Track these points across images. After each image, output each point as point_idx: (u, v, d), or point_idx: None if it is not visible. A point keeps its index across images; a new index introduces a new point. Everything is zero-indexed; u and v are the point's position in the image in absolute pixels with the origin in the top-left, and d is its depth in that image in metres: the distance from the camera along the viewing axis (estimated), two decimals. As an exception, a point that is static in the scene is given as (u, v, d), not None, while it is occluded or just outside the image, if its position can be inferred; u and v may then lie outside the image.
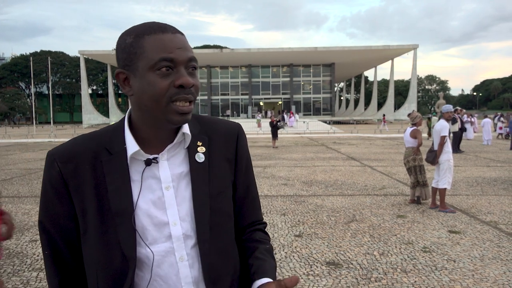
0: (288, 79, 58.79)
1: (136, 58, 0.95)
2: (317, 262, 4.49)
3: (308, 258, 4.61)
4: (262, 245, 1.12)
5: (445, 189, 6.68)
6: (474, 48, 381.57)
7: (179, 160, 1.03)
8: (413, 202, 7.21)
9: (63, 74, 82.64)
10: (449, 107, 7.01)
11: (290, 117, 41.56)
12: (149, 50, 0.93)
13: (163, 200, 0.99)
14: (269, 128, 20.16)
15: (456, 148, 15.07)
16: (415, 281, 3.95)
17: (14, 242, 5.32)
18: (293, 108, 55.19)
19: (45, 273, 4.47)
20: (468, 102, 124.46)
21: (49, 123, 55.83)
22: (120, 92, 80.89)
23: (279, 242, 5.18)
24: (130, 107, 1.05)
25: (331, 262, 4.48)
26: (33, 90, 63.22)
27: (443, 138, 6.68)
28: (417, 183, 7.07)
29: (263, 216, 1.50)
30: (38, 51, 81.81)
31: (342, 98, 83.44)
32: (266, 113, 54.47)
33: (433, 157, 6.81)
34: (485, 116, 26.47)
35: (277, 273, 1.76)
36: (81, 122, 57.42)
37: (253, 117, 52.33)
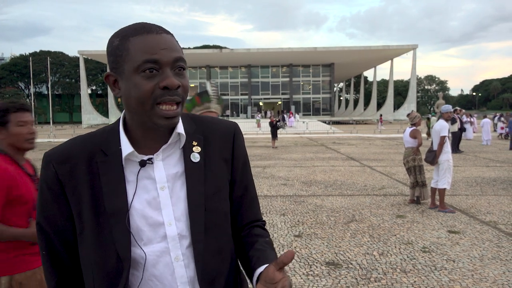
0: (287, 79, 58.79)
1: (122, 60, 0.95)
2: (316, 262, 4.49)
3: (308, 258, 4.61)
4: (261, 238, 1.11)
5: (444, 189, 6.69)
6: (474, 48, 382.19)
7: (175, 160, 1.03)
8: (412, 202, 7.21)
9: (62, 74, 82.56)
10: (449, 107, 7.01)
11: (289, 117, 41.59)
12: (133, 52, 0.93)
13: (158, 200, 1.00)
14: (269, 128, 20.17)
15: (455, 148, 15.08)
16: (415, 281, 3.95)
17: (13, 242, 5.31)
18: (293, 108, 55.21)
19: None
20: (467, 102, 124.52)
21: (49, 123, 55.78)
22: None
23: (279, 242, 5.19)
24: None
25: (330, 262, 4.48)
26: (32, 90, 63.20)
27: (442, 138, 6.68)
28: (416, 183, 7.08)
29: (263, 216, 1.49)
30: (38, 51, 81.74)
31: (341, 98, 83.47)
32: (265, 113, 54.47)
33: (433, 157, 6.82)
34: (485, 116, 26.48)
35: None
36: (80, 122, 57.36)
37: (252, 117, 52.31)
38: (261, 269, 0.98)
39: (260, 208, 1.19)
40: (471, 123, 23.13)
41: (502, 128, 23.94)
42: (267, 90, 59.54)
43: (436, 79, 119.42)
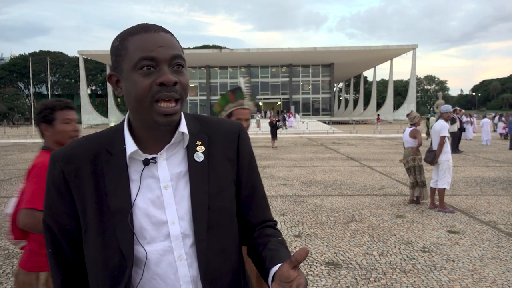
0: (287, 79, 58.78)
1: (121, 59, 0.97)
2: (316, 262, 4.49)
3: (308, 258, 4.60)
4: (273, 238, 1.10)
5: (444, 189, 6.69)
6: (474, 48, 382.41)
7: (178, 160, 1.04)
8: (412, 202, 7.21)
9: (62, 74, 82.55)
10: (448, 107, 7.01)
11: (289, 117, 41.59)
12: (131, 51, 0.95)
13: (162, 199, 1.00)
14: (269, 128, 20.17)
15: (455, 148, 15.08)
16: (414, 281, 3.95)
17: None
18: (292, 108, 55.20)
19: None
20: (467, 102, 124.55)
21: (48, 123, 55.65)
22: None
23: (279, 242, 5.18)
24: None
25: (330, 262, 4.48)
26: (32, 90, 63.13)
27: (442, 138, 6.68)
28: (416, 183, 7.08)
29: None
30: (37, 51, 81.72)
31: (341, 98, 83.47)
32: (265, 113, 54.46)
33: (433, 157, 6.81)
34: (484, 116, 26.46)
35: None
36: (80, 122, 57.28)
37: (252, 117, 52.24)
38: (275, 268, 0.97)
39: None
40: (471, 123, 23.13)
41: (504, 128, 23.89)
42: (266, 90, 59.52)
43: (436, 79, 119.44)
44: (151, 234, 0.98)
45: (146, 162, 1.00)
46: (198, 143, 1.06)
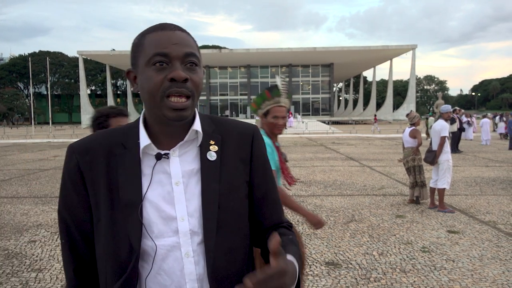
0: (287, 79, 58.83)
1: (138, 56, 1.01)
2: (316, 262, 4.49)
3: (307, 258, 4.60)
4: (284, 236, 1.09)
5: (444, 189, 6.69)
6: (473, 48, 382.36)
7: (191, 157, 1.05)
8: (412, 202, 7.22)
9: (61, 74, 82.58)
10: (448, 107, 7.01)
11: (289, 117, 41.58)
12: (147, 47, 0.98)
13: (172, 195, 1.01)
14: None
15: (454, 148, 15.09)
16: (414, 281, 3.95)
17: (13, 242, 5.31)
18: (292, 108, 55.23)
19: (44, 273, 4.47)
20: (466, 102, 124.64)
21: (48, 123, 55.76)
22: (118, 92, 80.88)
23: (278, 242, 5.18)
24: None
25: (330, 262, 4.48)
26: (31, 90, 63.03)
27: (443, 139, 6.68)
28: (416, 183, 7.08)
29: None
30: (37, 51, 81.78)
31: (341, 98, 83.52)
32: (265, 113, 54.44)
33: (432, 157, 6.82)
34: (484, 116, 26.46)
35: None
36: (80, 123, 57.38)
37: (252, 117, 52.31)
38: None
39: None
40: (471, 123, 23.13)
41: (505, 128, 23.82)
42: (266, 90, 59.54)
43: (435, 79, 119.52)
44: (159, 229, 0.99)
45: (158, 156, 1.01)
46: (212, 142, 1.07)
